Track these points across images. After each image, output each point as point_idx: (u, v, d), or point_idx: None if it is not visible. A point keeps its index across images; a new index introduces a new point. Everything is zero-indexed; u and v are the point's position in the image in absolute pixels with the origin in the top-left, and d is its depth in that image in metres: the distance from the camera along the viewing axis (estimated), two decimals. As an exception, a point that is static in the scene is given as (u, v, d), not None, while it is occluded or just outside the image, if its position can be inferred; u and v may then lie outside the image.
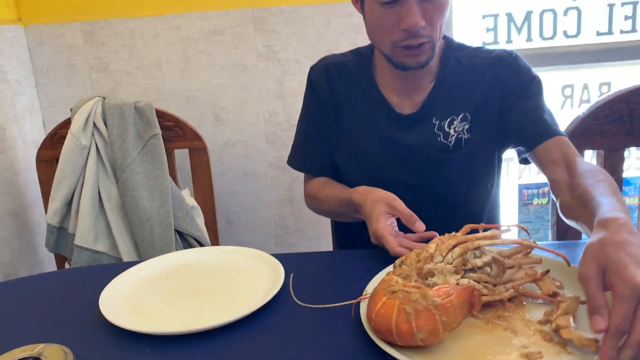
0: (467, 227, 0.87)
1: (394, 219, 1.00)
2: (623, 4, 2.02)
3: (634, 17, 2.02)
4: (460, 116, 1.14)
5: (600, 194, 0.82)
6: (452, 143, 1.14)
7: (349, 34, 1.86)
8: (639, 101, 1.22)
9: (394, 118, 1.17)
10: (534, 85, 1.14)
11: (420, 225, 0.93)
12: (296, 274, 0.97)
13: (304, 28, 1.87)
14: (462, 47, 1.18)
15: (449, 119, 1.14)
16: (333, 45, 1.87)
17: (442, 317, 0.70)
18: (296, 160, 1.33)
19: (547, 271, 0.81)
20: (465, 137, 1.14)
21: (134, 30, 1.88)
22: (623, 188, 2.07)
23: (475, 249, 0.82)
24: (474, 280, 0.80)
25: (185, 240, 1.60)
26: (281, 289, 0.91)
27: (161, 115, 1.62)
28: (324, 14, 1.86)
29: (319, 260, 1.06)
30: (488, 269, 0.82)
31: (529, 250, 0.85)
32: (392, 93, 1.17)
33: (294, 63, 1.89)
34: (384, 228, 0.94)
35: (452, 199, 1.17)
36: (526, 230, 0.87)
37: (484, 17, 2.07)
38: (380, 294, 0.75)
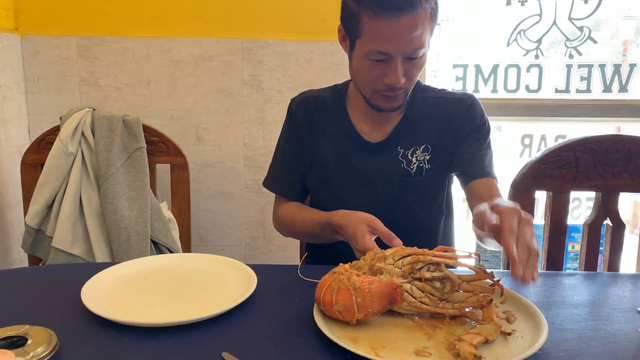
0: (439, 248, 0.96)
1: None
2: (580, 66, 2.21)
3: (588, 78, 2.22)
4: (422, 147, 1.27)
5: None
6: (413, 170, 1.26)
7: (330, 70, 1.99)
8: (584, 151, 1.37)
9: (363, 146, 1.28)
10: (483, 129, 1.29)
11: (398, 242, 1.02)
12: (267, 281, 1.06)
13: (289, 61, 2.00)
14: (427, 89, 1.32)
15: (412, 149, 1.26)
16: (314, 79, 2.00)
17: (358, 298, 0.85)
18: (272, 182, 1.40)
19: (491, 300, 0.90)
20: (426, 167, 1.27)
21: (127, 49, 1.98)
22: (572, 234, 2.23)
23: (430, 264, 0.91)
24: (417, 289, 0.90)
25: (160, 251, 1.67)
26: (253, 293, 0.99)
27: (147, 130, 1.70)
28: (308, 50, 1.99)
29: (289, 270, 1.14)
30: (437, 284, 0.91)
31: (483, 277, 0.92)
32: (363, 123, 1.29)
33: (276, 92, 2.01)
34: (372, 244, 1.03)
35: (411, 226, 1.27)
36: (479, 257, 0.96)
37: (454, 66, 2.23)
38: (328, 273, 0.93)
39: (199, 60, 2.00)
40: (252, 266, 1.10)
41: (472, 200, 1.24)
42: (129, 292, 1.03)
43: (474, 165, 1.26)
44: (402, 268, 0.91)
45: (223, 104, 2.03)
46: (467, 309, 0.91)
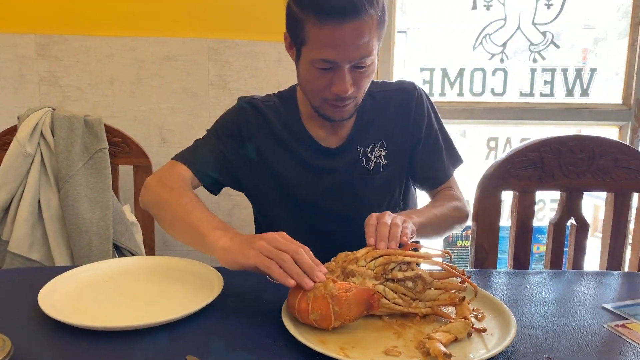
0: (409, 246, 0.96)
1: None
2: (543, 70, 2.26)
3: (552, 82, 2.26)
4: (379, 143, 1.27)
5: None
6: (372, 167, 1.26)
7: (298, 71, 1.98)
8: (549, 151, 1.39)
9: (322, 152, 1.27)
10: (434, 124, 1.32)
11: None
12: (234, 283, 1.03)
13: (256, 62, 1.98)
14: (371, 83, 1.28)
15: (370, 146, 1.27)
16: (282, 81, 1.98)
17: (335, 307, 0.83)
18: (185, 155, 1.24)
19: (464, 298, 0.90)
20: (383, 162, 1.27)
21: (89, 48, 1.92)
22: (537, 236, 2.26)
23: (402, 263, 0.91)
24: (390, 290, 0.89)
25: (123, 255, 1.62)
26: (220, 295, 0.97)
27: (110, 130, 1.65)
28: (276, 51, 1.97)
29: (255, 274, 1.12)
30: (409, 283, 0.91)
31: (455, 275, 0.92)
32: (318, 130, 1.27)
33: (244, 93, 1.96)
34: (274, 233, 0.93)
35: None
36: (450, 255, 0.96)
37: (421, 69, 2.25)
38: None
39: (164, 60, 1.96)
40: (219, 269, 1.08)
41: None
42: (89, 295, 0.99)
43: (436, 172, 1.33)
44: (374, 270, 0.90)
45: (188, 105, 1.99)
46: (441, 308, 0.91)
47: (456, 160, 1.37)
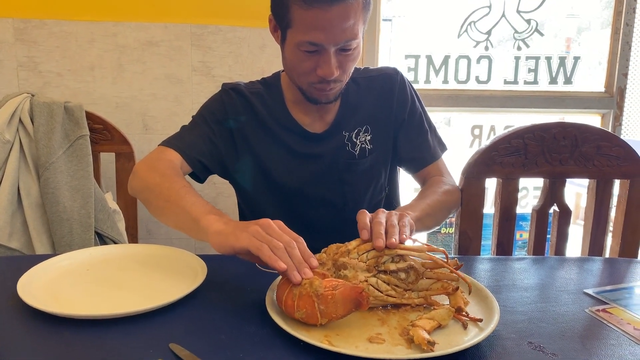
0: (403, 238, 0.94)
1: None
2: (527, 58, 2.26)
3: (536, 70, 2.27)
4: (363, 128, 1.27)
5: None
6: (357, 152, 1.27)
7: (282, 58, 1.96)
8: (533, 138, 1.39)
9: (307, 137, 1.26)
10: (417, 107, 1.33)
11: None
12: (218, 271, 1.03)
13: (240, 48, 1.96)
14: (354, 70, 1.29)
15: (355, 131, 1.27)
16: (267, 67, 1.96)
17: (321, 305, 0.81)
18: (173, 140, 1.22)
19: (457, 287, 0.89)
20: (369, 147, 1.27)
21: (69, 33, 1.88)
22: (520, 223, 2.28)
23: (394, 255, 0.90)
24: (383, 282, 0.89)
25: (105, 243, 1.60)
26: (203, 283, 0.96)
27: (91, 117, 1.62)
28: (260, 37, 1.95)
29: (241, 260, 1.11)
30: (402, 275, 0.90)
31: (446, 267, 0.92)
32: (303, 116, 1.27)
33: (227, 80, 1.93)
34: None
35: (357, 207, 1.26)
36: (446, 255, 0.94)
37: (406, 57, 2.24)
38: None
39: (146, 46, 1.93)
40: (203, 256, 1.07)
41: (422, 183, 1.33)
42: (70, 284, 0.98)
43: (422, 153, 1.32)
44: (366, 262, 0.90)
45: (171, 92, 1.97)
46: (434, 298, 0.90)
47: (442, 145, 1.37)
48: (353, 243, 0.92)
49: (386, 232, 0.91)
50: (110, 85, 1.94)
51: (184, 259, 1.07)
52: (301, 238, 0.88)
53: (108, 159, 1.69)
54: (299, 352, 0.77)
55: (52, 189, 1.53)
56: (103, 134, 1.63)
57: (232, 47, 1.95)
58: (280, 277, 0.91)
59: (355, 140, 1.27)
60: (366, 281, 0.88)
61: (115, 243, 1.61)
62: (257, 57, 1.97)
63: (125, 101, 1.96)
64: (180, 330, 0.83)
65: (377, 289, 0.88)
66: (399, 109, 1.30)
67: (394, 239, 0.89)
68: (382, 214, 0.96)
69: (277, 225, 0.88)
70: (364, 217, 0.95)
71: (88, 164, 1.58)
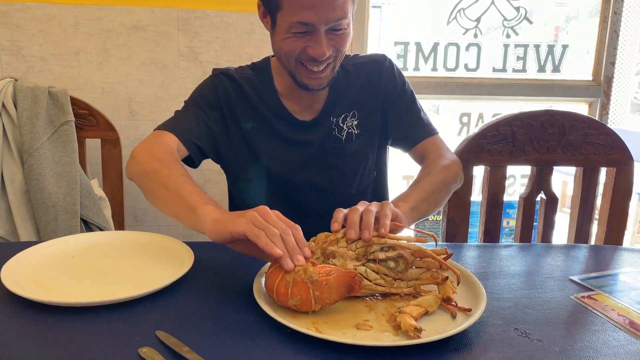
0: (392, 226, 0.93)
1: None
2: (516, 46, 2.26)
3: (524, 58, 2.27)
4: (350, 113, 1.27)
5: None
6: (344, 137, 1.27)
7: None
8: (521, 125, 1.40)
9: (297, 125, 1.26)
10: (407, 89, 1.32)
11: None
12: (205, 258, 1.02)
13: (227, 33, 1.93)
14: (344, 57, 1.29)
15: (342, 116, 1.27)
16: (254, 53, 1.94)
17: (316, 291, 0.81)
18: (170, 124, 1.21)
19: (447, 277, 0.89)
20: (355, 132, 1.28)
21: (53, 17, 1.85)
22: (507, 210, 2.30)
23: (384, 244, 0.89)
24: (372, 271, 0.89)
25: (91, 230, 1.58)
26: (190, 270, 0.95)
27: (75, 102, 1.60)
28: (248, 22, 1.93)
29: (228, 247, 1.11)
30: (391, 263, 0.90)
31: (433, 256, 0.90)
32: (293, 104, 1.26)
33: (214, 65, 1.91)
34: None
35: (346, 191, 1.29)
36: (435, 239, 0.96)
37: (395, 44, 2.23)
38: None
39: (132, 30, 1.90)
40: (190, 243, 1.06)
41: (420, 162, 1.29)
42: (55, 271, 0.96)
43: (416, 129, 1.30)
44: (355, 251, 0.89)
45: (158, 77, 1.94)
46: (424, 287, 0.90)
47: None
48: (342, 232, 0.92)
49: (363, 221, 0.90)
50: (95, 70, 1.91)
51: (171, 246, 1.07)
52: (298, 226, 0.88)
53: (94, 145, 1.67)
54: (286, 339, 0.77)
55: (36, 175, 1.51)
56: (88, 120, 1.61)
57: (219, 32, 1.93)
58: (268, 265, 0.91)
59: (342, 125, 1.27)
60: (355, 270, 0.88)
61: (101, 230, 1.59)
62: (245, 42, 1.95)
63: (111, 86, 1.93)
64: (167, 318, 0.83)
65: (366, 278, 0.88)
66: (387, 92, 1.30)
67: (367, 232, 0.89)
68: (361, 205, 0.94)
69: (274, 213, 0.88)
70: (338, 212, 0.94)
71: (73, 150, 1.56)
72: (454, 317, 0.83)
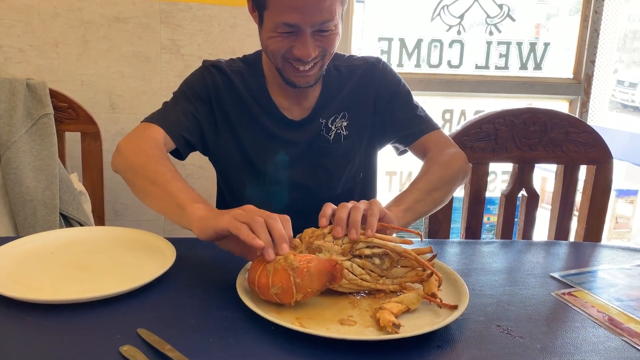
0: (379, 226, 0.92)
1: None
2: (499, 43, 2.28)
3: (507, 55, 2.29)
4: (340, 114, 1.27)
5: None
6: (332, 137, 1.26)
7: (255, 38, 1.89)
8: (503, 123, 1.41)
9: (286, 123, 1.25)
10: (403, 89, 1.31)
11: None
12: (187, 254, 1.01)
13: (210, 26, 1.91)
14: (337, 57, 1.30)
15: (332, 117, 1.26)
16: (238, 47, 1.93)
17: (297, 279, 0.81)
18: (157, 116, 1.20)
19: (431, 274, 0.89)
20: (344, 133, 1.27)
21: (31, 7, 1.81)
22: (488, 206, 2.32)
23: (369, 243, 0.89)
24: (358, 266, 0.89)
25: (70, 225, 1.56)
26: (172, 267, 0.94)
27: (55, 95, 1.57)
28: (231, 15, 1.91)
29: (211, 243, 1.10)
30: (377, 260, 0.89)
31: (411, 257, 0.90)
32: (283, 99, 1.26)
33: (197, 59, 1.91)
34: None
35: (331, 191, 1.28)
36: (421, 236, 0.96)
37: (379, 39, 2.23)
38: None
39: (113, 22, 1.87)
40: (172, 239, 1.05)
41: (423, 157, 1.26)
42: (34, 267, 0.95)
43: (416, 126, 1.28)
44: (342, 246, 0.89)
45: (139, 70, 1.91)
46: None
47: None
48: (329, 227, 0.92)
49: (350, 219, 0.89)
50: (75, 62, 1.88)
51: (153, 242, 1.05)
52: (288, 218, 0.87)
53: (73, 138, 1.64)
54: (270, 335, 0.77)
55: (14, 169, 1.48)
56: (68, 113, 1.58)
57: (202, 25, 1.91)
58: (250, 262, 0.90)
59: (330, 126, 1.26)
60: (340, 263, 0.88)
61: (81, 225, 1.57)
62: (228, 35, 1.93)
63: (91, 79, 1.90)
64: (149, 315, 0.82)
65: (351, 272, 0.88)
66: (380, 94, 1.28)
67: (354, 231, 0.88)
68: (351, 203, 0.93)
69: (261, 210, 0.87)
70: (327, 206, 0.93)
71: (52, 143, 1.53)
72: (440, 307, 0.84)
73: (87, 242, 1.06)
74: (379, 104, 1.29)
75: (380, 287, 0.89)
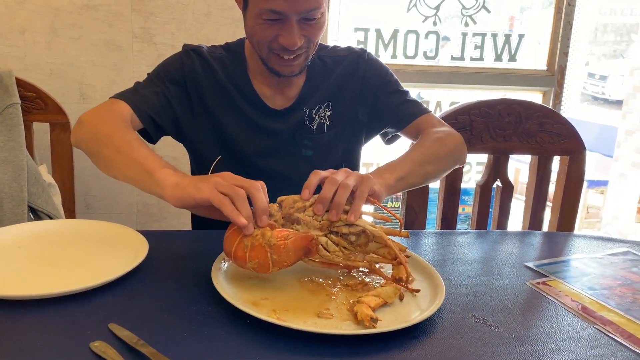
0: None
1: None
2: (474, 35, 2.29)
3: (482, 47, 2.30)
4: (324, 104, 1.25)
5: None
6: (315, 127, 1.24)
7: (229, 27, 1.90)
8: (479, 114, 1.41)
9: (267, 112, 1.23)
10: (390, 79, 1.30)
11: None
12: (160, 248, 0.99)
13: (184, 15, 1.87)
14: (322, 47, 1.29)
15: (316, 107, 1.25)
16: (212, 36, 1.90)
17: (274, 255, 0.82)
18: (126, 93, 1.16)
19: (408, 256, 0.89)
20: (327, 123, 1.25)
21: (-5, -8, 1.75)
22: (463, 197, 2.33)
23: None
24: (333, 243, 0.88)
25: (39, 218, 1.51)
26: (145, 260, 0.92)
27: (21, 84, 1.52)
28: (205, 4, 1.88)
29: (185, 236, 1.08)
30: (353, 237, 0.89)
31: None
32: (265, 87, 1.24)
33: (170, 48, 1.88)
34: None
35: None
36: (401, 222, 0.97)
37: (355, 30, 2.22)
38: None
39: (83, 10, 1.82)
40: (144, 232, 1.03)
41: (416, 139, 1.24)
42: (1, 262, 0.92)
43: (407, 109, 1.27)
44: (320, 222, 0.88)
45: (110, 59, 1.87)
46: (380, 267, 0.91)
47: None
48: (311, 200, 0.90)
49: (335, 199, 0.87)
50: (43, 50, 1.82)
51: (125, 235, 1.03)
52: (262, 183, 0.86)
53: (42, 129, 1.60)
54: (245, 329, 0.76)
55: (-21, 160, 1.43)
56: (36, 103, 1.53)
57: (175, 13, 1.87)
58: (227, 231, 0.88)
59: (314, 116, 1.24)
60: (316, 238, 0.87)
61: (50, 218, 1.53)
62: (202, 24, 1.89)
63: (61, 68, 1.85)
64: (120, 310, 0.80)
65: (325, 248, 0.87)
66: (367, 84, 1.27)
67: (334, 213, 0.87)
68: (341, 175, 0.90)
69: (238, 177, 0.86)
70: (314, 176, 0.91)
71: (19, 134, 1.48)
72: (400, 299, 0.85)
73: (57, 236, 1.03)
74: (366, 94, 1.27)
75: (350, 263, 0.89)
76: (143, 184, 0.94)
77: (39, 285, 0.85)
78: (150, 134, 1.19)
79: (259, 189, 0.84)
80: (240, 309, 0.77)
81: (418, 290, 0.87)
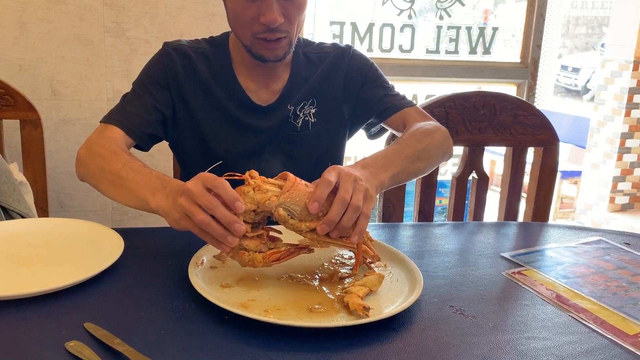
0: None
1: None
2: (449, 28, 2.30)
3: (457, 40, 2.32)
4: (309, 101, 1.25)
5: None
6: (299, 124, 1.24)
7: (203, 20, 1.87)
8: (454, 107, 1.42)
9: (252, 109, 1.22)
10: (375, 74, 1.30)
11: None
12: (136, 245, 0.98)
13: (157, 9, 1.85)
14: (307, 44, 1.29)
15: (301, 104, 1.24)
16: (186, 30, 1.87)
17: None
18: (113, 115, 1.16)
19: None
20: (312, 120, 1.25)
21: (-40, -14, 1.70)
22: (440, 189, 2.36)
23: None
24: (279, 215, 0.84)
25: (12, 218, 1.48)
26: (121, 258, 0.91)
27: (-10, 80, 1.48)
28: (179, -3, 1.85)
29: (162, 233, 1.07)
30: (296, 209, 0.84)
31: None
32: (250, 81, 1.22)
33: (143, 43, 1.85)
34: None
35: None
36: (379, 259, 0.95)
37: (331, 23, 2.22)
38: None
39: (52, 4, 1.78)
40: (119, 230, 1.01)
41: (399, 131, 1.24)
42: (-30, 263, 0.89)
43: (392, 101, 1.26)
44: (306, 232, 0.86)
45: (82, 54, 1.83)
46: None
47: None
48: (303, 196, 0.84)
49: (341, 222, 0.83)
50: (11, 45, 1.78)
51: (99, 233, 1.01)
52: (224, 181, 0.84)
53: (12, 126, 1.56)
54: (224, 326, 0.75)
55: (-53, 159, 1.39)
56: (5, 99, 1.49)
57: (148, 7, 1.84)
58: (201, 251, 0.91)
59: (299, 113, 1.24)
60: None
61: (23, 217, 1.50)
62: (175, 18, 1.87)
63: (30, 63, 1.80)
64: (96, 309, 0.79)
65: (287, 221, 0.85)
66: (350, 79, 1.27)
67: (336, 232, 0.84)
68: (351, 184, 0.85)
69: (197, 188, 0.83)
70: (325, 187, 0.84)
71: (-12, 131, 1.45)
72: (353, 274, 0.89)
73: (29, 235, 1.01)
74: (349, 89, 1.27)
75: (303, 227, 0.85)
76: (146, 210, 0.96)
77: (12, 285, 0.83)
78: (143, 146, 1.19)
79: (217, 205, 0.81)
80: (221, 306, 0.76)
81: (378, 258, 0.93)
